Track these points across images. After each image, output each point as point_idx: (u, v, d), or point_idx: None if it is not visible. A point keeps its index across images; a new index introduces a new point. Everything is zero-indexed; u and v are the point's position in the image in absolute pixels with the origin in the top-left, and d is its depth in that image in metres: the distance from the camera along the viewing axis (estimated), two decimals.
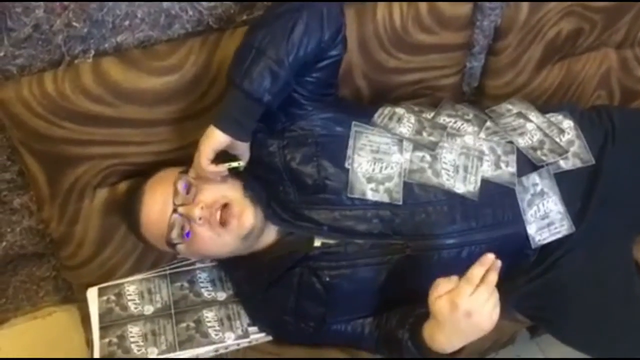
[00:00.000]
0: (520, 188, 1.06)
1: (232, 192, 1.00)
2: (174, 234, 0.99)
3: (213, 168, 0.96)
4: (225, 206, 0.98)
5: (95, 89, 0.99)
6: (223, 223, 0.98)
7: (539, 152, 1.10)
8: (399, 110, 1.11)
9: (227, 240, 0.99)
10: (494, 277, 0.85)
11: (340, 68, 1.06)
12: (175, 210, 0.98)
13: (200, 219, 0.97)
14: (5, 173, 1.12)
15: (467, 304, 0.84)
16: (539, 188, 1.07)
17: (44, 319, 1.39)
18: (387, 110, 1.10)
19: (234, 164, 0.98)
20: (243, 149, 0.99)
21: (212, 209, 0.97)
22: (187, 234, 0.99)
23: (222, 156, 0.97)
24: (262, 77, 0.93)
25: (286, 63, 0.93)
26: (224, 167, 0.97)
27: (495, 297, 0.85)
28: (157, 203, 1.00)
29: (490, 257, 0.86)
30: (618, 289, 1.11)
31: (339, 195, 1.01)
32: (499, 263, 0.86)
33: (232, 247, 1.01)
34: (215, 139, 0.94)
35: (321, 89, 1.05)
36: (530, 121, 1.15)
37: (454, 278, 0.87)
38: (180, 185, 0.99)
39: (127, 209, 1.06)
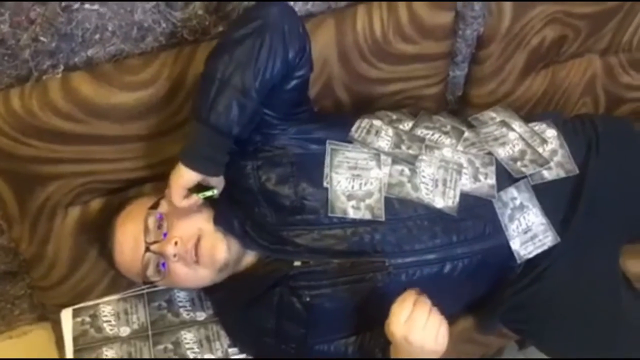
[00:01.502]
0: (499, 204, 1.04)
1: (205, 224, 0.98)
2: (150, 271, 0.97)
3: (186, 203, 0.94)
4: (198, 240, 0.96)
5: (65, 105, 0.96)
6: (197, 258, 0.96)
7: (519, 164, 1.08)
8: (377, 123, 1.08)
9: (203, 274, 0.98)
10: (425, 299, 0.86)
11: (310, 84, 1.04)
12: (147, 249, 0.96)
13: (174, 255, 0.95)
14: None
15: (402, 330, 0.84)
16: (518, 202, 1.05)
17: (19, 339, 1.36)
18: (364, 122, 1.08)
19: (208, 193, 0.96)
20: (216, 181, 0.96)
21: (187, 245, 0.95)
22: (163, 265, 0.97)
23: (195, 185, 0.94)
24: (229, 109, 0.89)
25: (253, 91, 0.90)
26: (196, 199, 0.95)
27: (434, 318, 0.84)
28: (129, 242, 0.97)
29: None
30: (604, 300, 1.09)
31: (317, 215, 0.98)
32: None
33: (210, 279, 1.00)
34: (186, 177, 0.92)
35: (292, 108, 1.02)
36: (513, 130, 1.13)
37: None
38: (151, 222, 0.97)
39: (100, 243, 1.04)
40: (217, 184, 0.97)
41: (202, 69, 0.93)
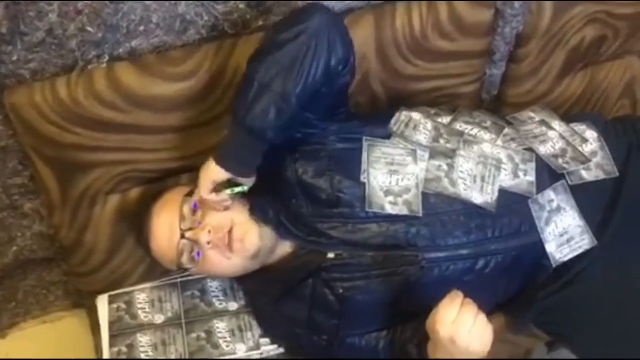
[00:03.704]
0: (536, 207, 1.02)
1: (239, 213, 0.99)
2: (184, 259, 0.99)
3: (214, 197, 0.95)
4: (231, 228, 0.97)
5: (109, 95, 0.98)
6: (230, 246, 0.97)
7: (560, 160, 1.07)
8: (415, 116, 1.08)
9: (236, 262, 0.99)
10: (471, 302, 0.84)
11: (352, 84, 1.04)
12: (183, 236, 0.97)
13: (208, 243, 0.96)
14: (17, 178, 1.11)
15: (448, 331, 0.83)
16: (555, 204, 1.04)
17: (53, 324, 1.38)
18: (403, 116, 1.08)
19: (238, 189, 0.96)
20: (246, 179, 0.97)
21: (220, 232, 0.97)
22: (198, 254, 0.98)
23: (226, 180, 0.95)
24: (267, 113, 0.89)
25: (293, 97, 0.90)
26: (225, 195, 0.96)
27: (480, 321, 0.84)
28: (165, 229, 0.99)
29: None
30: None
31: (352, 209, 0.98)
32: None
33: (243, 267, 1.01)
34: (215, 172, 0.93)
35: (331, 110, 1.03)
36: (553, 129, 1.12)
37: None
38: (186, 210, 0.98)
39: (137, 231, 1.05)
40: (247, 182, 0.98)
41: (245, 67, 0.93)
